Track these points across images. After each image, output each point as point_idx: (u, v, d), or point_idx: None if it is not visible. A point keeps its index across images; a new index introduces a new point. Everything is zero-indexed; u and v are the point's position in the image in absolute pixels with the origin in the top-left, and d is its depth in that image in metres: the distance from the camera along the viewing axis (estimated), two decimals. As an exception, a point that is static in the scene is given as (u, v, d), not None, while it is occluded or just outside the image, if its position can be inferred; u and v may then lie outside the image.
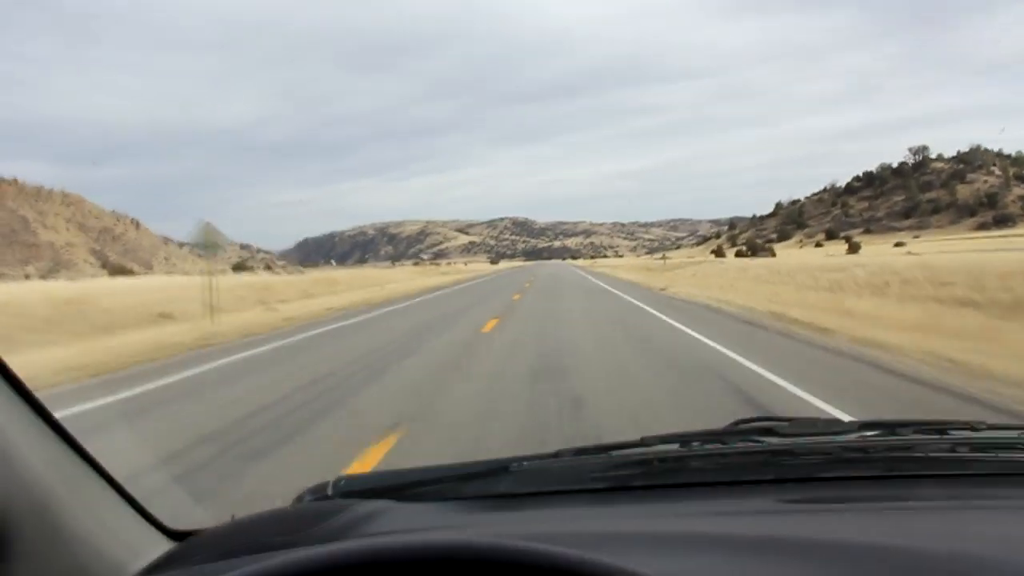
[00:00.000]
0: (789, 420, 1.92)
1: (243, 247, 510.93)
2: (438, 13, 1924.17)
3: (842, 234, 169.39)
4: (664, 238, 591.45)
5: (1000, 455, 1.67)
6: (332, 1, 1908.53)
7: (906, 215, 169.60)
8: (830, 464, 1.65)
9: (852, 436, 1.78)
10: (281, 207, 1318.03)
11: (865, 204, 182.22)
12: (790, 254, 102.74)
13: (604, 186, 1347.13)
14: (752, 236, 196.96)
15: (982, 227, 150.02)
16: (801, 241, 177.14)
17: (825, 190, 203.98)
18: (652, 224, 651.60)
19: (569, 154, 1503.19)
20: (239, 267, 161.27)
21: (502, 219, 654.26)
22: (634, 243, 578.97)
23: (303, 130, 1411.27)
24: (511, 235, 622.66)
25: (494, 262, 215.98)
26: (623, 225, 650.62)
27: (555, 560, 0.72)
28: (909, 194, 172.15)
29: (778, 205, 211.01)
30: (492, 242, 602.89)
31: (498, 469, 1.67)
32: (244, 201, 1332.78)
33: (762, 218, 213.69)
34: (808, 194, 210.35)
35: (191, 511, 4.20)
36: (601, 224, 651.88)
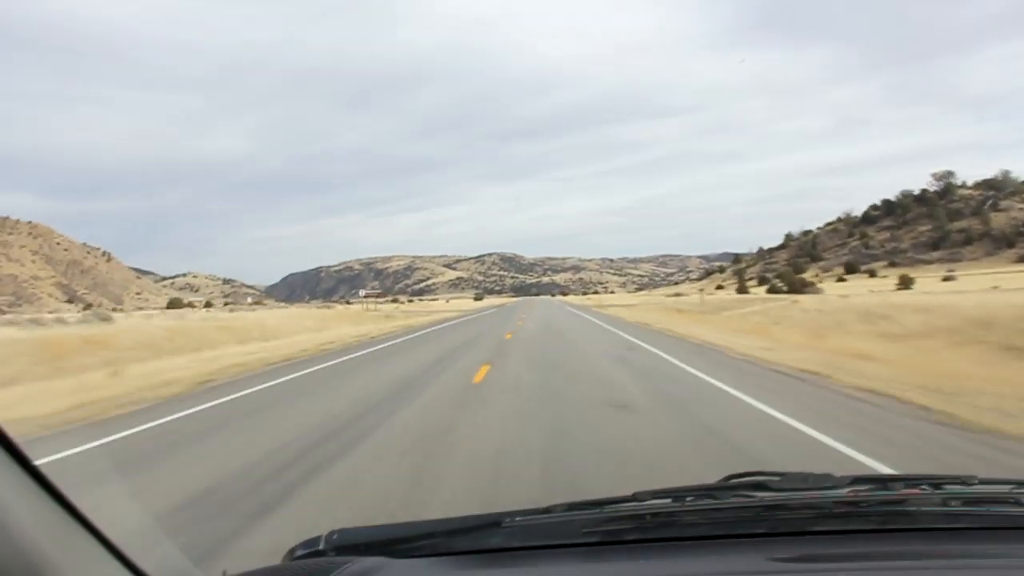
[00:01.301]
0: (781, 475, 1.87)
1: (226, 282, 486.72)
2: (426, 52, 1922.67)
3: (863, 267, 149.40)
4: (653, 274, 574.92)
5: (992, 509, 1.65)
6: (321, 40, 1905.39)
7: (934, 246, 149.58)
8: (822, 518, 1.62)
9: (844, 490, 1.75)
10: (268, 242, 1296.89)
11: (887, 235, 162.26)
12: (838, 289, 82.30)
13: (592, 222, 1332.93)
14: (761, 270, 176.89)
15: (1023, 259, 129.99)
16: (817, 275, 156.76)
17: (840, 220, 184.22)
18: (641, 260, 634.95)
19: (557, 190, 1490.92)
20: (173, 304, 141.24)
21: (490, 254, 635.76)
22: (623, 279, 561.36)
23: (291, 166, 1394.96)
24: (499, 270, 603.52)
25: (478, 298, 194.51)
26: (612, 261, 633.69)
27: None
28: (937, 223, 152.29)
29: (788, 236, 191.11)
30: (480, 277, 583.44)
31: (491, 524, 1.64)
32: (231, 237, 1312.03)
33: (771, 250, 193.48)
34: (820, 225, 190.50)
35: (184, 568, 3.04)
36: (590, 260, 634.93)
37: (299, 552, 1.63)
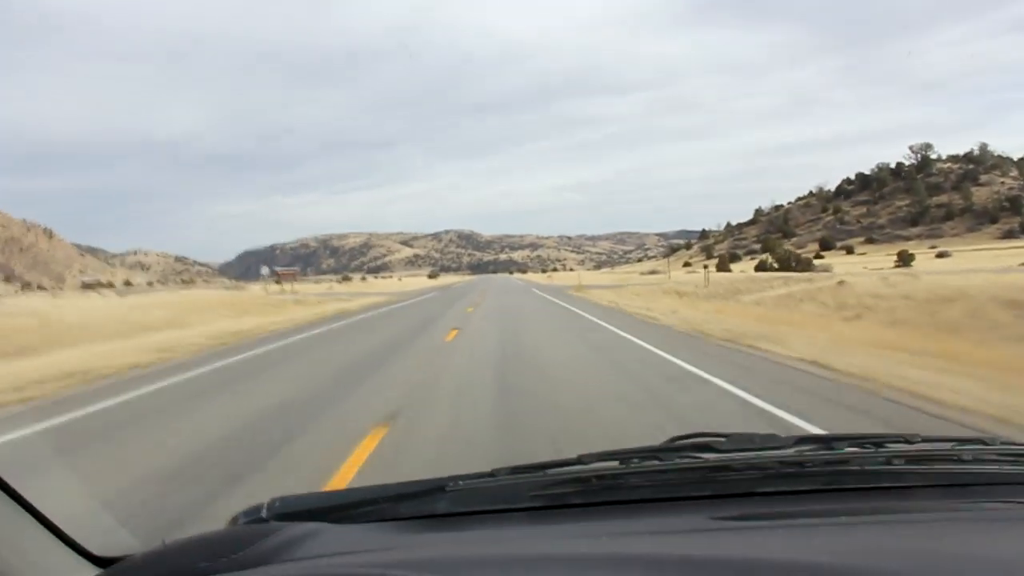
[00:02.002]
0: (726, 436, 1.84)
1: (178, 259, 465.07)
2: (384, 27, 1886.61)
3: (838, 244, 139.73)
4: (612, 251, 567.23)
5: (935, 467, 1.68)
6: (277, 13, 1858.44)
7: (913, 222, 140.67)
8: (767, 479, 1.63)
9: (789, 451, 1.75)
10: (224, 220, 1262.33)
11: (863, 209, 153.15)
12: (841, 264, 71.59)
13: (550, 199, 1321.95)
14: (730, 246, 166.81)
15: (1009, 235, 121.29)
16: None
17: (812, 194, 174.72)
18: (599, 237, 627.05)
19: (515, 167, 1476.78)
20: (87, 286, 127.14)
21: (447, 232, 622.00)
22: (581, 256, 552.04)
23: (247, 143, 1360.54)
24: (456, 248, 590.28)
25: (432, 276, 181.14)
26: (570, 238, 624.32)
27: None
28: (916, 198, 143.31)
29: (758, 211, 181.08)
30: (437, 255, 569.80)
31: (434, 489, 1.63)
32: (185, 214, 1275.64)
33: (740, 226, 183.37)
34: (792, 199, 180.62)
35: (119, 535, 3.24)
36: (548, 237, 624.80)
37: (241, 520, 1.61)
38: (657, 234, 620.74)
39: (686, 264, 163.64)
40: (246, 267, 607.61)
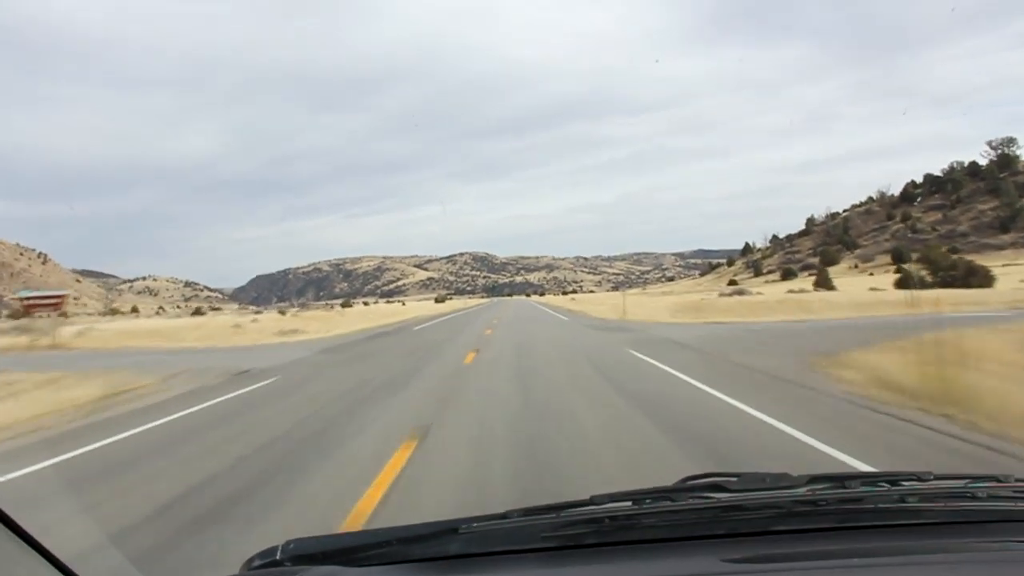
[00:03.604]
0: (738, 475, 1.83)
1: (187, 284, 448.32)
2: (398, 51, 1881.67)
3: (915, 255, 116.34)
4: (629, 272, 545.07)
5: (948, 504, 1.64)
6: (292, 38, 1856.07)
7: (1003, 228, 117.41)
8: (781, 518, 1.60)
9: (802, 490, 1.73)
10: (236, 244, 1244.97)
11: (938, 215, 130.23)
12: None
13: (566, 220, 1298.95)
14: (781, 260, 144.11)
15: None
16: (857, 266, 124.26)
17: (872, 200, 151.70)
18: (615, 258, 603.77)
19: (530, 189, 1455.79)
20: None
21: (461, 254, 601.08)
22: (598, 277, 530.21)
23: (260, 168, 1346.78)
24: (471, 270, 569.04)
25: (440, 300, 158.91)
26: (586, 259, 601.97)
27: None
28: (1005, 200, 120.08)
29: (810, 221, 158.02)
30: (451, 278, 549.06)
31: (447, 530, 1.60)
32: (198, 239, 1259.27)
33: (790, 238, 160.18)
34: (849, 206, 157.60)
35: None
36: (563, 259, 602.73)
37: (256, 563, 1.59)
38: (674, 254, 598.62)
39: (731, 282, 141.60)
40: (259, 292, 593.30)
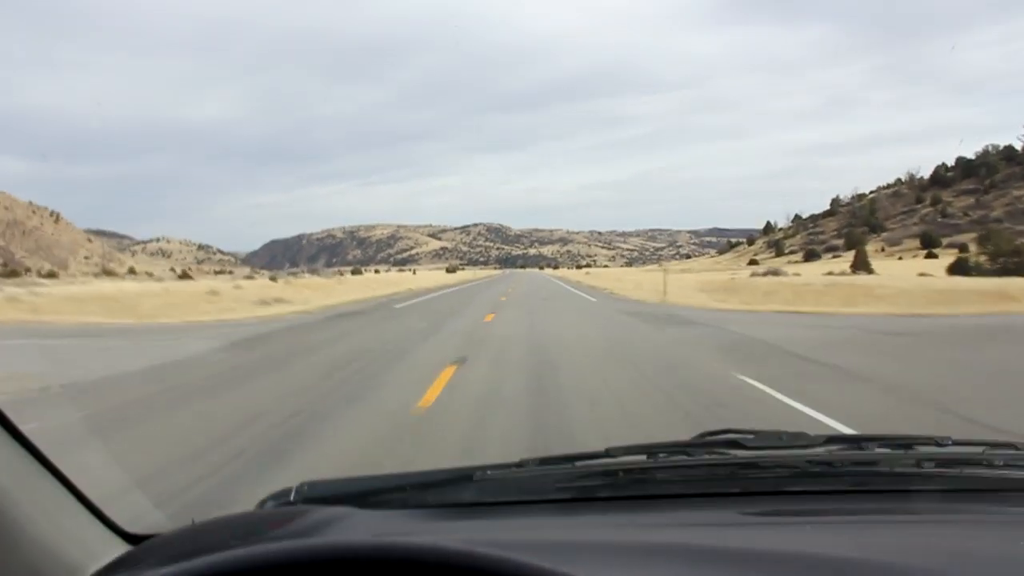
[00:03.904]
0: (755, 433, 1.79)
1: (201, 248, 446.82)
2: (416, 19, 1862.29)
3: (945, 241, 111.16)
4: (643, 248, 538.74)
5: (964, 471, 1.62)
6: (309, 5, 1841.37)
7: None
8: (796, 478, 1.60)
9: (818, 450, 1.71)
10: (252, 209, 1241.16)
11: (970, 200, 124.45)
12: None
13: (581, 195, 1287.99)
14: (804, 240, 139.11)
15: None
16: (884, 249, 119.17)
17: (901, 182, 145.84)
18: (630, 234, 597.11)
19: (546, 163, 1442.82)
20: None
21: (475, 225, 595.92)
22: (612, 252, 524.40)
23: (277, 134, 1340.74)
24: (485, 241, 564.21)
25: (451, 270, 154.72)
26: (600, 234, 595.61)
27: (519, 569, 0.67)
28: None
29: (835, 201, 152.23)
30: (465, 248, 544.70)
31: (462, 478, 1.60)
32: (213, 202, 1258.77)
33: (814, 218, 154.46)
34: (876, 187, 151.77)
35: (151, 516, 3.58)
36: (578, 232, 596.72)
37: (270, 504, 1.58)
38: (689, 231, 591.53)
39: (751, 262, 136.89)
40: (272, 256, 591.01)
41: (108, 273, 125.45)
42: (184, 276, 62.27)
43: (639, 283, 49.51)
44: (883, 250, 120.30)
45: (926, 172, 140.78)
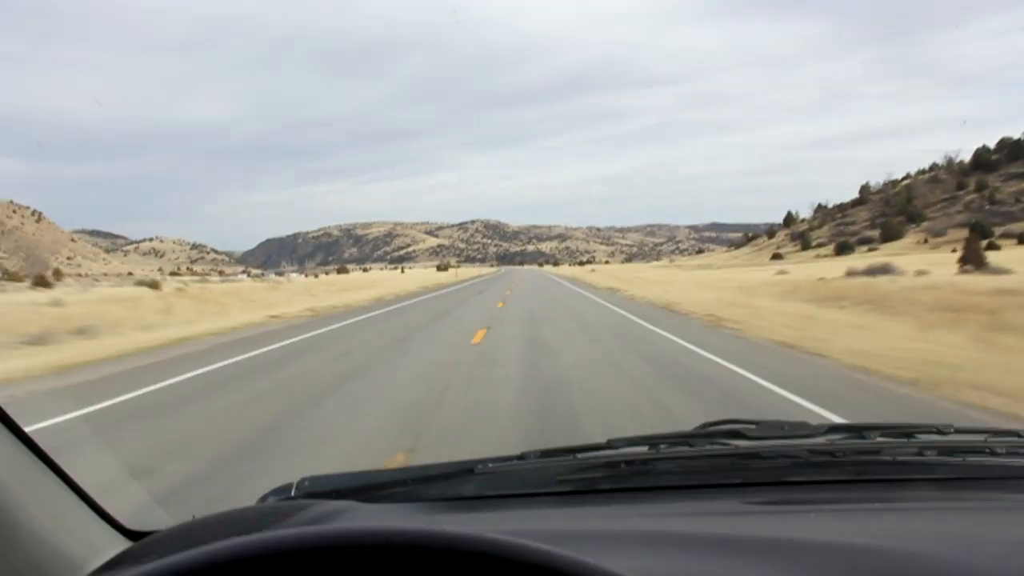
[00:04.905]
0: (756, 423, 1.77)
1: (195, 247, 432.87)
2: (413, 17, 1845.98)
3: (999, 232, 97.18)
4: (642, 244, 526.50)
5: (967, 459, 1.60)
6: (306, 4, 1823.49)
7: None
8: (798, 468, 1.58)
9: (820, 439, 1.69)
10: (248, 208, 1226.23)
11: (1021, 185, 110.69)
12: None
13: (579, 190, 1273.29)
14: (832, 232, 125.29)
15: None
16: (927, 240, 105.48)
17: (938, 167, 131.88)
18: (629, 229, 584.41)
19: (544, 159, 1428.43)
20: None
21: (473, 221, 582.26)
22: (611, 248, 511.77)
23: (274, 133, 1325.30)
24: (482, 238, 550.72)
25: (442, 268, 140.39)
26: (599, 230, 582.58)
27: (542, 558, 0.67)
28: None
29: (864, 188, 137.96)
30: (462, 245, 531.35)
31: (462, 471, 1.58)
32: (210, 202, 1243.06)
33: (841, 207, 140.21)
34: (911, 173, 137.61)
35: (152, 512, 3.67)
36: (576, 228, 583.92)
37: (271, 499, 1.57)
38: (688, 226, 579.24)
39: (775, 256, 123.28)
40: (268, 255, 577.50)
41: (41, 282, 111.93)
42: (142, 284, 48.66)
43: (668, 286, 35.10)
44: (926, 241, 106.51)
45: (966, 155, 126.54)
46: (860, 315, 18.50)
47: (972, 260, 45.53)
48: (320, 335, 15.77)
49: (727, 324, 16.15)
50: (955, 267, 44.24)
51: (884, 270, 36.50)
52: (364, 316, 21.91)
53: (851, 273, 37.31)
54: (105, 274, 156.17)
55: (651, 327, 15.76)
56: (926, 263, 50.70)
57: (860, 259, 70.41)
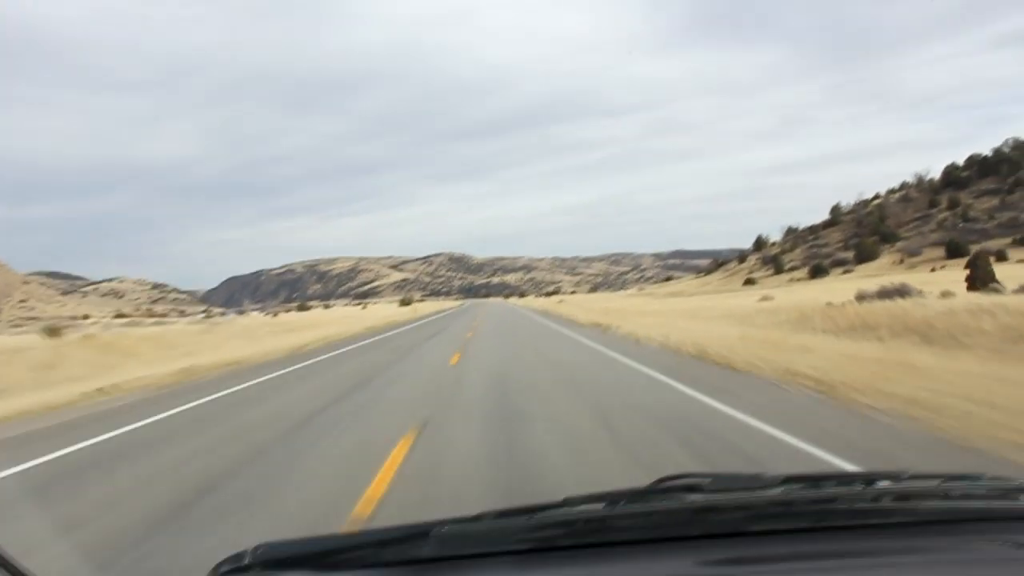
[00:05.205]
0: (712, 476, 1.81)
1: (155, 287, 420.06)
2: (374, 52, 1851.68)
3: (973, 248, 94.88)
4: (607, 273, 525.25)
5: (923, 504, 1.61)
6: (269, 41, 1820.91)
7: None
8: (755, 519, 1.57)
9: (776, 491, 1.71)
10: (211, 247, 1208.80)
11: (993, 201, 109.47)
12: None
13: (543, 221, 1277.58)
14: (805, 255, 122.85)
15: None
16: (903, 260, 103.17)
17: (908, 185, 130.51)
18: (594, 259, 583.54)
19: (507, 190, 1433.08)
20: None
21: (438, 255, 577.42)
22: (576, 278, 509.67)
23: (235, 170, 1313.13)
24: (447, 271, 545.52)
25: (405, 303, 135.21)
26: (564, 260, 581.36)
27: None
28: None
29: (835, 209, 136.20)
30: (427, 279, 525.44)
31: (418, 534, 1.55)
32: (171, 240, 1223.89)
33: (812, 229, 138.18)
34: (880, 192, 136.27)
35: None
36: (541, 259, 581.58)
37: (224, 568, 1.54)
38: (653, 254, 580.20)
39: (747, 281, 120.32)
40: (231, 294, 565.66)
41: None
42: (48, 331, 43.11)
43: (660, 318, 30.66)
44: (902, 262, 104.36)
45: (935, 174, 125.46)
46: (920, 352, 14.24)
47: (980, 281, 42.03)
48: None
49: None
50: (963, 285, 40.66)
51: (902, 292, 32.50)
52: (234, 388, 13.56)
53: (862, 296, 33.31)
54: (34, 319, 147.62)
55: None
56: (934, 282, 47.16)
57: (852, 282, 67.10)
